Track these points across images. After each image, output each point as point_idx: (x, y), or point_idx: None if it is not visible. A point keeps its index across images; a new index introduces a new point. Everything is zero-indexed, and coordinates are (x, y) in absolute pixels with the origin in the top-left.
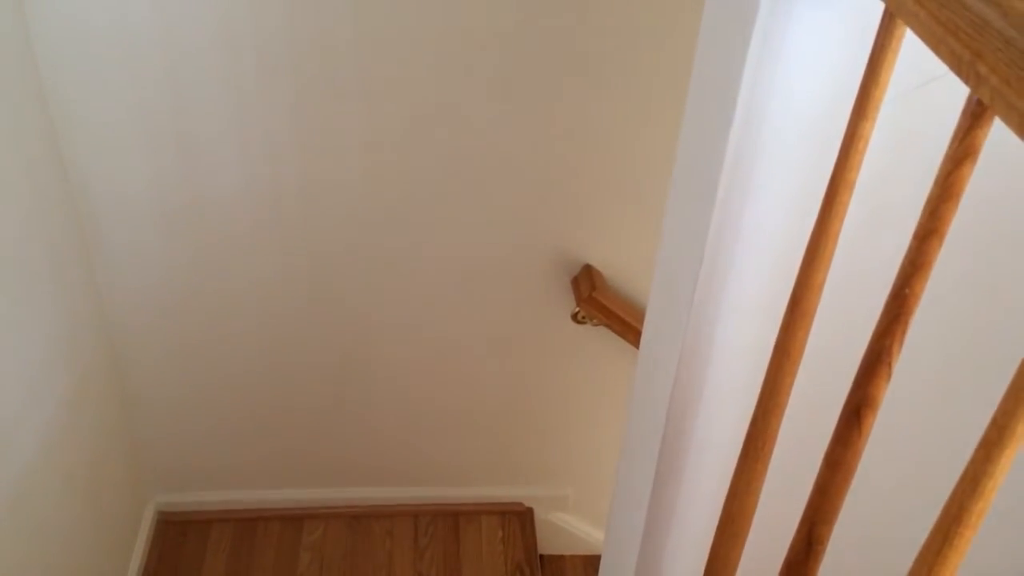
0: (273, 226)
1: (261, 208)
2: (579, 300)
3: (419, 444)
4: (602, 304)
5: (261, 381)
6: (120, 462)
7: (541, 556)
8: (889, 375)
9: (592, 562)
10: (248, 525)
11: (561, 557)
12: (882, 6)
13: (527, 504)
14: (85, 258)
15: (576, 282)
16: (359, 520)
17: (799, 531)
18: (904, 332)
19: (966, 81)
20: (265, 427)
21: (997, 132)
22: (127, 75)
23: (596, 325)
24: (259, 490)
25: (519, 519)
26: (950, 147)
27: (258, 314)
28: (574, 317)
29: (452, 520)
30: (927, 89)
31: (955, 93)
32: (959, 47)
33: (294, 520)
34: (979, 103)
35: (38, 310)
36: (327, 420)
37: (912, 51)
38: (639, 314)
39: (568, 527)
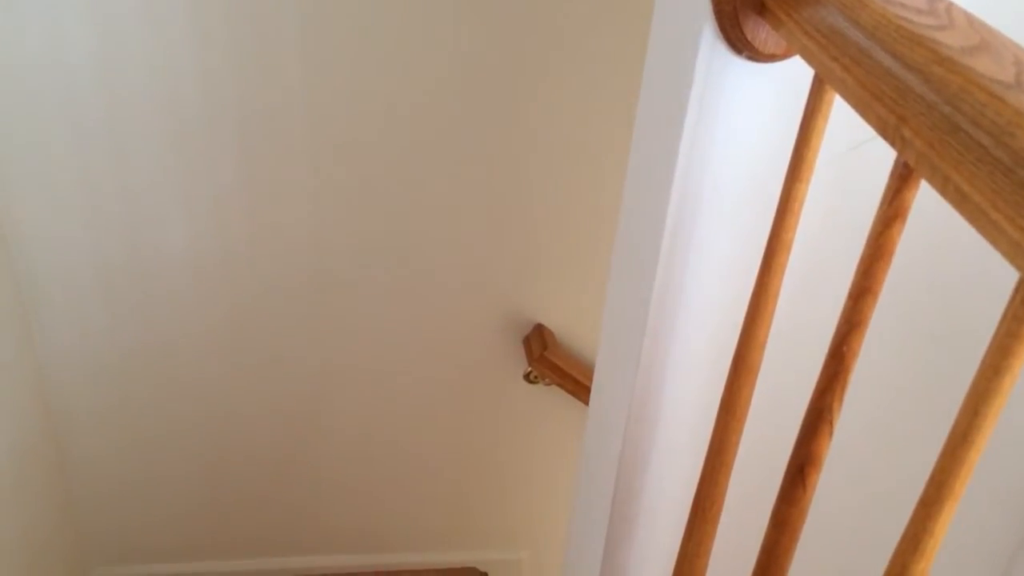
0: (219, 288)
1: (206, 271)
2: (531, 360)
3: (370, 509)
4: (554, 364)
5: (206, 447)
6: (58, 532)
7: None
8: (831, 433)
9: None
10: None
11: None
12: (812, 72)
13: (481, 569)
14: (23, 321)
15: (528, 342)
16: None
17: None
18: (844, 389)
19: (892, 144)
20: (211, 495)
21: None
22: (66, 126)
23: (548, 385)
24: (205, 560)
25: None
26: (880, 208)
27: (203, 378)
28: (526, 377)
29: None
30: (861, 150)
31: (888, 154)
32: (885, 112)
33: None
34: (906, 165)
35: None
36: (275, 486)
37: (847, 114)
38: (591, 373)
39: None
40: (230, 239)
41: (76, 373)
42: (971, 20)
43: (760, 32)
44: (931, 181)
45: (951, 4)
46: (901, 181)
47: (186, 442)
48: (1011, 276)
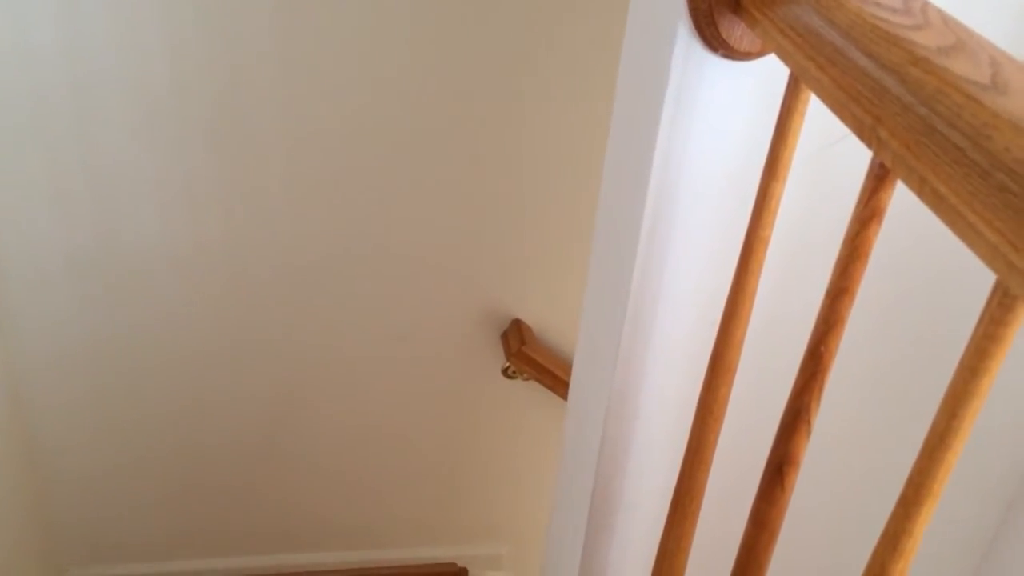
0: (192, 276)
1: (178, 258)
2: (509, 355)
3: (347, 505)
4: (532, 358)
5: (182, 441)
6: (31, 532)
7: None
8: (809, 432)
9: None
10: None
11: None
12: (788, 71)
13: (461, 564)
14: None
15: (505, 337)
16: None
17: None
18: (821, 389)
19: (869, 145)
20: (186, 493)
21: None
22: (31, 111)
23: (527, 379)
24: (180, 560)
25: None
26: (856, 208)
27: (176, 375)
28: (504, 372)
29: None
30: (838, 148)
31: (865, 153)
32: (861, 112)
33: None
34: (882, 166)
35: None
36: (253, 483)
37: (823, 112)
38: (569, 368)
39: None
40: (203, 226)
41: (45, 363)
42: (947, 20)
43: (735, 30)
44: (907, 182)
45: (927, 3)
46: (877, 182)
47: (160, 436)
48: (988, 275)
